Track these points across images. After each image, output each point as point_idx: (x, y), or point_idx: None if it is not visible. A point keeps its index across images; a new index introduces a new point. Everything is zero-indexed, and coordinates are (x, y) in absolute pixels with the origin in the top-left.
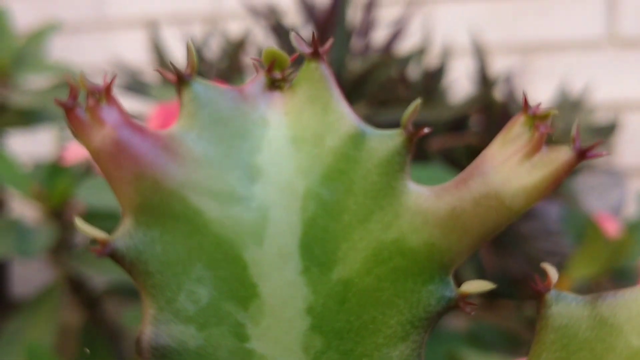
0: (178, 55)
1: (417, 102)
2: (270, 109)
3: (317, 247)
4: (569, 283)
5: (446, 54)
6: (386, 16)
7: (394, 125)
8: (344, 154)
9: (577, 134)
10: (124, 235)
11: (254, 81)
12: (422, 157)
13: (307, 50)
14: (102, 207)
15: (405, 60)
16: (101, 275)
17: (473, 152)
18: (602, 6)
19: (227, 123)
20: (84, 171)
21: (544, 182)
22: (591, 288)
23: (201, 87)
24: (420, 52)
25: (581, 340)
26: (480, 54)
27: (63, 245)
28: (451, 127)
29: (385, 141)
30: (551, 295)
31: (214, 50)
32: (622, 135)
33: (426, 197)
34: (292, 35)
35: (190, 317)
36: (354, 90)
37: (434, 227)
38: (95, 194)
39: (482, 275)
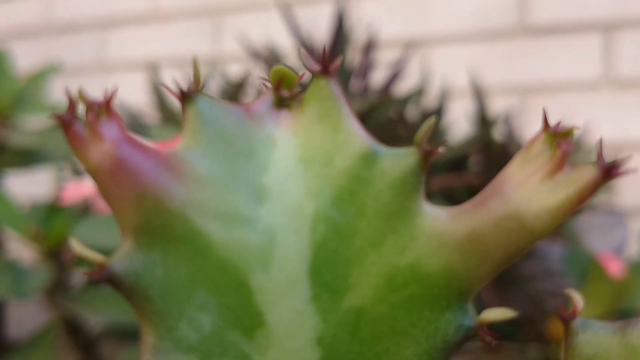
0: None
1: (432, 120)
2: (277, 127)
3: (327, 272)
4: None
5: (444, 95)
6: (385, 58)
7: None
8: (355, 174)
9: (601, 152)
10: (123, 257)
11: (261, 99)
12: None
13: (316, 67)
14: (99, 247)
15: (403, 101)
16: (97, 317)
17: (473, 192)
18: (598, 47)
19: (233, 141)
20: (81, 211)
21: (568, 203)
22: None
23: (206, 103)
24: (418, 93)
25: None
26: (479, 94)
27: (59, 287)
28: (451, 167)
29: (399, 161)
30: (577, 322)
31: (213, 91)
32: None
33: (443, 219)
34: (301, 52)
35: (193, 347)
36: None
37: (451, 251)
38: (92, 234)
39: None
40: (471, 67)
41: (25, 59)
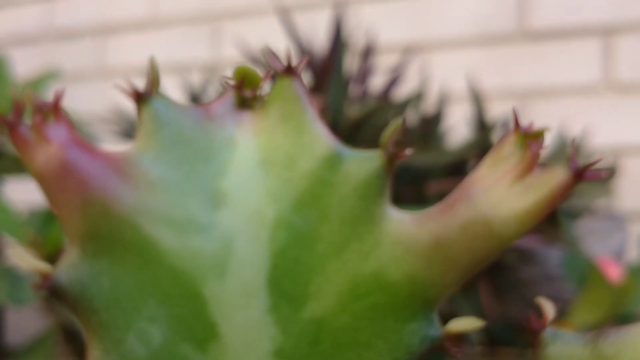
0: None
1: (398, 122)
2: (238, 129)
3: (287, 281)
4: (571, 330)
5: (443, 100)
6: (384, 63)
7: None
8: (318, 177)
9: (574, 154)
10: (68, 267)
11: (222, 99)
12: (421, 201)
13: (280, 66)
14: None
15: (402, 106)
16: None
17: None
18: (597, 51)
19: (190, 144)
20: None
21: (537, 207)
22: None
23: (162, 104)
24: (417, 98)
25: None
26: (477, 99)
27: None
28: (449, 172)
29: (364, 163)
30: (547, 333)
31: (212, 97)
32: (622, 179)
33: (408, 225)
34: (265, 51)
35: None
36: (352, 135)
37: (416, 258)
38: None
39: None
40: (470, 72)
41: (25, 65)
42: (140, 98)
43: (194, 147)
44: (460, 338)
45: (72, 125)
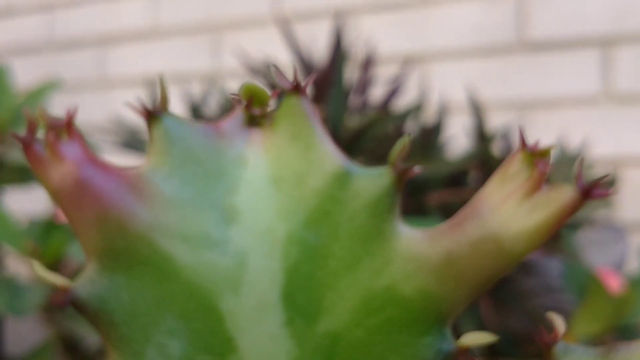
0: (177, 113)
1: (406, 138)
2: (248, 146)
3: (301, 296)
4: (572, 341)
5: (443, 111)
6: (383, 74)
7: None
8: (328, 194)
9: (580, 172)
10: (87, 282)
11: (232, 117)
12: (421, 211)
13: (287, 84)
14: None
15: (402, 117)
16: (94, 335)
17: None
18: (596, 63)
19: (201, 161)
20: None
21: (546, 224)
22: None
23: (173, 122)
24: (417, 109)
25: None
26: (477, 110)
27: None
28: (449, 183)
29: (373, 181)
30: (559, 347)
31: (212, 107)
32: (622, 190)
33: (419, 241)
34: (273, 70)
35: None
36: (352, 145)
37: (428, 274)
38: None
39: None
40: (469, 82)
41: (26, 75)
42: (151, 116)
43: (206, 165)
44: (470, 352)
45: (85, 142)
